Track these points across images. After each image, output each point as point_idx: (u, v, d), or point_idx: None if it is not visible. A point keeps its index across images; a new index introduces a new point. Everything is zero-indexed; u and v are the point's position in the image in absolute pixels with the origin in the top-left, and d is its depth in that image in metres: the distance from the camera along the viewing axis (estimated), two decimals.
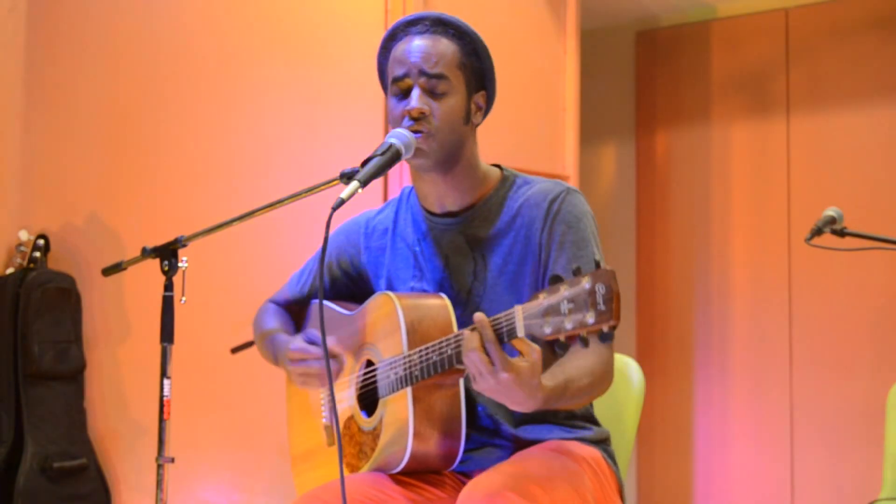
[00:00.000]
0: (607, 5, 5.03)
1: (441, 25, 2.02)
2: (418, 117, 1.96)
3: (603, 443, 2.10)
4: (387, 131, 2.01)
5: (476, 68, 2.04)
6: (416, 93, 1.98)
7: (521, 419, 2.02)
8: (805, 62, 4.76)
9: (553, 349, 1.64)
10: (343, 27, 3.63)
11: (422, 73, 1.98)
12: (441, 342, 1.85)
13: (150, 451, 2.12)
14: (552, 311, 1.60)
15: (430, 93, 1.98)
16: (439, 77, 1.98)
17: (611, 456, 2.09)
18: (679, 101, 5.11)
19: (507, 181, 2.08)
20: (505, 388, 1.69)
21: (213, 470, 3.43)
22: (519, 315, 1.66)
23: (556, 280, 1.61)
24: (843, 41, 4.69)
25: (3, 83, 3.44)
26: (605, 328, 1.55)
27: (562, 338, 1.60)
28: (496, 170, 2.11)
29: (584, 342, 1.59)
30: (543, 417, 2.03)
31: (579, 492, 1.88)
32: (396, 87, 2.01)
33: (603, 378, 1.93)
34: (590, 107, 4.59)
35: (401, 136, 1.95)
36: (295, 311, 2.35)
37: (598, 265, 1.57)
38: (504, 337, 1.69)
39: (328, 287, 2.25)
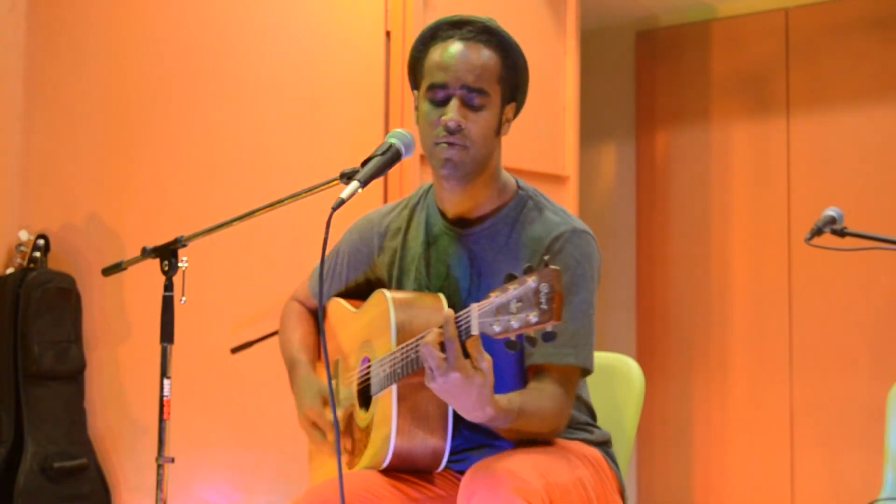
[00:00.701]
0: (607, 5, 5.03)
1: (486, 34, 1.99)
2: (455, 130, 1.95)
3: (604, 445, 2.10)
4: (387, 131, 2.01)
5: (512, 81, 2.01)
6: (454, 104, 1.95)
7: None
8: (805, 62, 4.76)
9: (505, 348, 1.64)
10: (343, 27, 3.63)
11: (464, 85, 1.95)
12: (418, 338, 1.84)
13: (150, 451, 2.12)
14: (502, 309, 1.61)
15: (468, 105, 1.96)
16: (480, 92, 1.95)
17: (612, 458, 2.09)
18: (679, 101, 5.11)
19: (521, 202, 2.06)
20: (453, 388, 1.69)
21: (213, 470, 3.43)
22: (475, 313, 1.66)
23: (510, 279, 1.62)
24: (843, 41, 4.69)
25: (3, 83, 3.44)
26: (548, 327, 1.55)
27: (512, 336, 1.60)
28: (512, 183, 2.09)
29: (532, 342, 1.59)
30: None
31: (581, 482, 1.88)
32: (433, 93, 1.98)
33: (553, 428, 1.94)
34: (590, 107, 4.59)
35: (401, 136, 1.94)
36: (316, 311, 2.35)
37: (546, 264, 1.56)
38: (462, 335, 1.69)
39: (343, 285, 2.26)
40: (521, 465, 1.79)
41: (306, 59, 3.60)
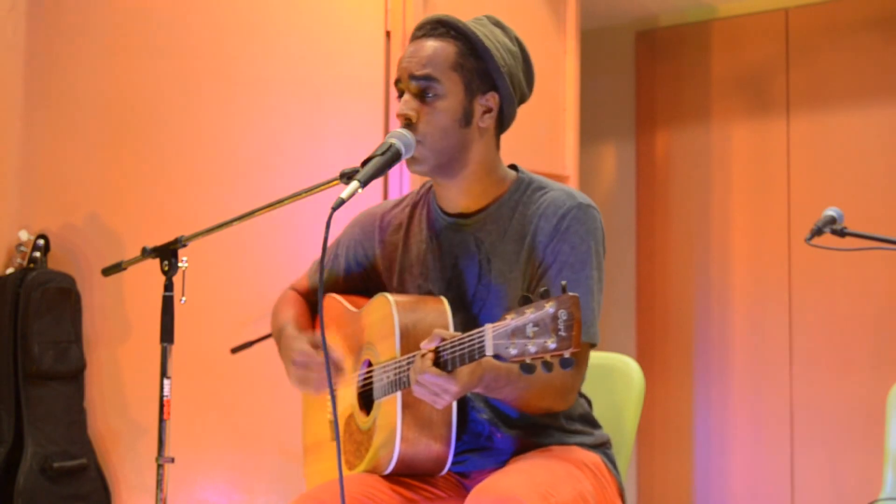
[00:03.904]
0: (607, 5, 5.03)
1: (442, 27, 2.00)
2: (405, 122, 1.96)
3: (603, 447, 2.10)
4: (387, 131, 2.01)
5: (479, 69, 2.00)
6: (404, 98, 1.98)
7: (519, 425, 2.02)
8: (805, 62, 4.76)
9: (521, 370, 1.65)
10: (343, 27, 3.63)
11: (411, 76, 1.97)
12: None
13: (150, 451, 2.12)
14: (518, 332, 1.61)
15: (422, 96, 1.98)
16: (427, 79, 1.96)
17: (611, 460, 2.09)
18: (679, 101, 5.11)
19: (522, 184, 2.06)
20: (455, 396, 1.77)
21: (213, 470, 3.43)
22: (489, 334, 1.66)
23: (525, 301, 1.62)
24: (843, 41, 4.69)
25: (3, 83, 3.44)
26: (566, 354, 1.56)
27: (527, 360, 1.60)
28: (512, 171, 2.09)
29: (548, 366, 1.59)
30: (542, 422, 2.03)
31: (583, 497, 1.88)
32: (397, 92, 2.02)
33: (557, 392, 1.95)
34: (590, 107, 4.58)
35: (401, 136, 1.94)
36: (313, 301, 2.35)
37: (563, 290, 1.57)
38: (475, 354, 1.70)
39: (341, 279, 2.25)
40: (524, 486, 1.79)
41: (306, 59, 3.59)
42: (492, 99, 2.02)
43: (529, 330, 1.59)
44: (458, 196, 2.06)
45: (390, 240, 2.18)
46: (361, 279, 2.23)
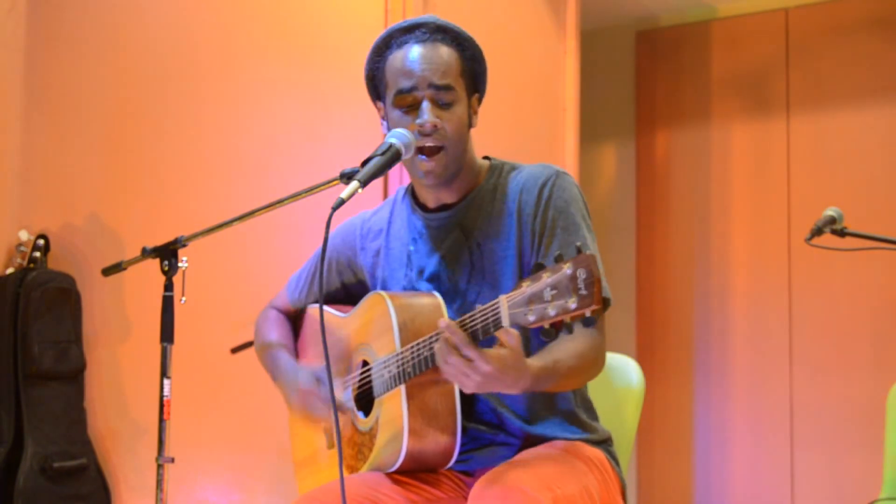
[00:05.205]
0: (607, 5, 5.03)
1: (440, 32, 2.01)
2: (432, 131, 1.96)
3: (605, 443, 2.11)
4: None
5: (473, 72, 2.06)
6: (426, 106, 1.97)
7: (527, 416, 2.02)
8: (805, 62, 4.77)
9: (539, 336, 1.65)
10: (343, 27, 3.63)
11: (431, 85, 1.97)
12: (432, 337, 1.86)
13: (150, 451, 2.12)
14: (535, 298, 1.61)
15: (438, 104, 1.98)
16: (448, 88, 1.98)
17: (614, 457, 2.10)
18: (679, 101, 5.11)
19: (496, 169, 2.10)
20: (492, 379, 1.69)
21: (213, 470, 3.43)
22: (504, 305, 1.67)
23: (539, 268, 1.62)
24: (843, 41, 4.69)
25: (3, 83, 3.44)
26: (588, 312, 1.56)
27: (546, 324, 1.61)
28: (485, 161, 2.13)
29: (569, 328, 1.60)
30: (549, 416, 2.03)
31: (588, 491, 1.89)
32: (402, 100, 1.99)
33: (594, 361, 1.94)
34: (590, 107, 4.59)
35: (401, 136, 1.95)
36: (293, 316, 2.36)
37: (579, 251, 1.57)
38: (490, 328, 1.70)
39: (325, 288, 2.26)
40: (529, 479, 1.79)
41: (306, 59, 3.59)
42: (476, 100, 2.09)
43: (548, 294, 1.59)
44: (442, 192, 2.08)
45: (371, 246, 2.20)
46: (344, 288, 2.26)
